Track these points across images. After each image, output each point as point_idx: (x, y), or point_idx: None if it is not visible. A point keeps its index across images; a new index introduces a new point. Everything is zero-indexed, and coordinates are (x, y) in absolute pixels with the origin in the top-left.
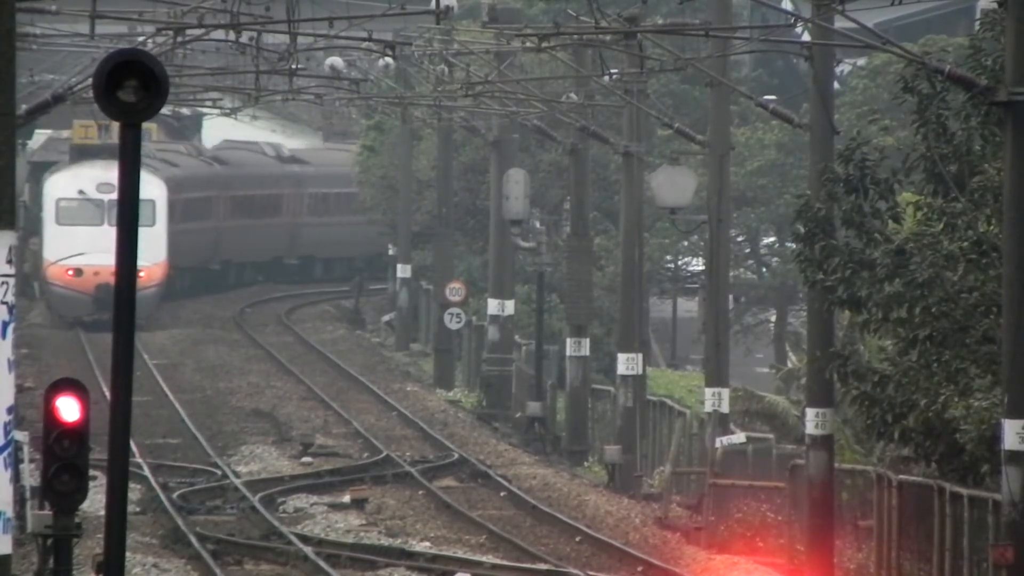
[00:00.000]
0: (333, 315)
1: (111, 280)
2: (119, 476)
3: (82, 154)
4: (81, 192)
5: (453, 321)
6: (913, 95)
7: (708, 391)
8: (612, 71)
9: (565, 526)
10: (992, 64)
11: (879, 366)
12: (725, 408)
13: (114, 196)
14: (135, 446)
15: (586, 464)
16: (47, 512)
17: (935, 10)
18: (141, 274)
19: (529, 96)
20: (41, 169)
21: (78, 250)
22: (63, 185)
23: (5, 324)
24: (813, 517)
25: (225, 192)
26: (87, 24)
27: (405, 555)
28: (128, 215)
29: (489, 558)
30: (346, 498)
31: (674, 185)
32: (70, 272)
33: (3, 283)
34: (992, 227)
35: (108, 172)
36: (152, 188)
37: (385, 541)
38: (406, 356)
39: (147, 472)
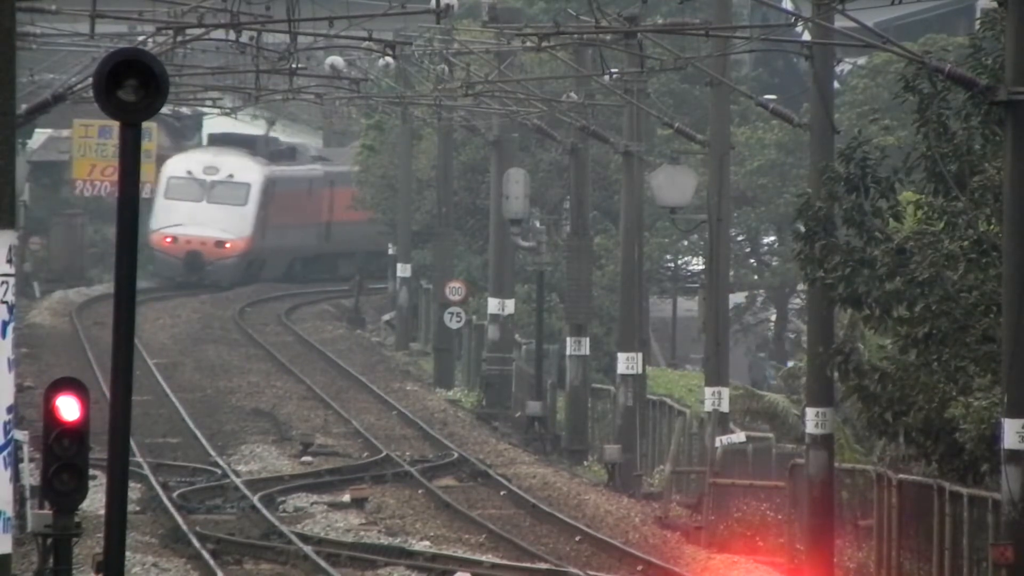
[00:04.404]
0: (333, 314)
1: (200, 248)
2: (119, 476)
3: (218, 141)
4: (189, 172)
5: (453, 320)
6: (913, 94)
7: (708, 390)
8: (612, 71)
9: (565, 525)
10: (992, 64)
11: (879, 364)
12: (725, 407)
13: (216, 177)
14: (135, 445)
15: (586, 463)
16: (47, 511)
17: (935, 10)
18: (227, 245)
19: (529, 96)
20: (41, 169)
21: (177, 221)
22: (176, 166)
23: (5, 324)
24: (813, 516)
25: (334, 188)
26: (87, 24)
27: (405, 554)
28: (128, 213)
29: (489, 557)
30: (346, 497)
31: (674, 185)
32: (168, 239)
33: (3, 283)
34: (992, 226)
35: (217, 157)
36: (250, 173)
37: (385, 540)
38: (406, 355)
39: (147, 471)
